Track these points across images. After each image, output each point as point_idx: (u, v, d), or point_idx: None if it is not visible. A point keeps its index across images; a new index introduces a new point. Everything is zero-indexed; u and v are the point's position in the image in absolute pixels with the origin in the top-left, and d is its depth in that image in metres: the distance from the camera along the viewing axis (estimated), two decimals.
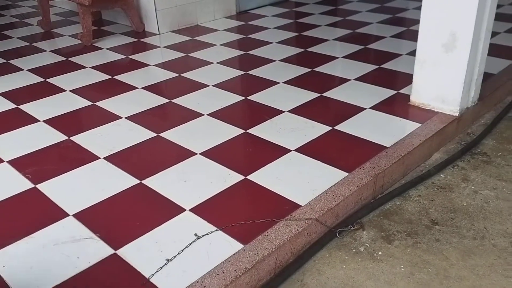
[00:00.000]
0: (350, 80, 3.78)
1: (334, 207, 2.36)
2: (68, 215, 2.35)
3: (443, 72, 3.05)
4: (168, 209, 2.36)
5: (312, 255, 2.27)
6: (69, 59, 4.52)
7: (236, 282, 1.94)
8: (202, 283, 1.91)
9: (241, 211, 2.34)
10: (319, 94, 3.55)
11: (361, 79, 3.79)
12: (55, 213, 2.37)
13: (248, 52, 4.49)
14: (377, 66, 4.01)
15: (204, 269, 1.98)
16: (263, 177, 2.61)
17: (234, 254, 2.05)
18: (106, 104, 3.54)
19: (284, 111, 3.32)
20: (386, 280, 2.14)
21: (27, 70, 4.27)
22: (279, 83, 3.79)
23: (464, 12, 2.84)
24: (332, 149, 2.86)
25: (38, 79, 4.07)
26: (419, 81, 3.21)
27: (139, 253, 2.09)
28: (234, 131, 3.08)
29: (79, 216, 2.34)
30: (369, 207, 2.55)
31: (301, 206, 2.35)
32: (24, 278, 1.99)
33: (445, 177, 2.83)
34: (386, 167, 2.64)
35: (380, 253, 2.30)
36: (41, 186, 2.58)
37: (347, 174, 2.59)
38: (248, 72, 4.03)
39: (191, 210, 2.35)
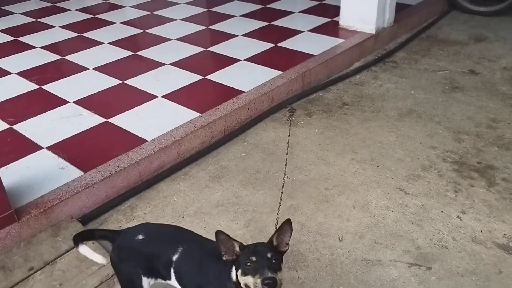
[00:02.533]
0: (295, 12, 4.57)
1: (269, 92, 3.19)
2: (69, 102, 3.12)
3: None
4: (144, 96, 3.16)
5: (252, 125, 3.10)
6: None
7: (194, 133, 2.77)
8: (171, 133, 2.72)
9: (203, 98, 3.15)
10: (268, 23, 4.34)
11: (305, 11, 4.59)
12: (59, 101, 3.14)
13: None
14: (319, 2, 4.80)
15: (173, 126, 2.79)
16: (219, 77, 3.41)
17: (193, 118, 2.87)
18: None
19: (238, 35, 4.11)
20: (303, 136, 2.99)
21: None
22: (237, 16, 4.55)
23: None
24: (273, 58, 3.67)
25: (29, 19, 4.76)
26: (345, 7, 4.02)
27: (123, 121, 2.88)
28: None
29: (78, 102, 3.12)
30: (298, 96, 3.38)
31: (244, 91, 3.17)
32: (41, 135, 2.76)
33: (360, 77, 3.68)
34: (312, 67, 3.47)
35: (302, 122, 3.14)
36: (45, 87, 3.34)
37: (282, 72, 3.41)
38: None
39: (163, 96, 3.15)
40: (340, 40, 3.87)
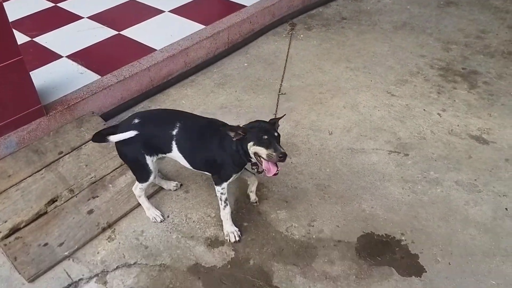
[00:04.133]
0: None
1: (270, 6, 3.36)
2: (83, 17, 3.34)
3: None
4: (152, 11, 3.35)
5: (255, 38, 3.30)
6: None
7: (200, 44, 2.99)
8: (178, 43, 2.95)
9: (208, 12, 3.33)
10: None
11: None
12: (74, 17, 3.35)
13: None
14: None
15: (179, 37, 3.01)
16: None
17: (199, 30, 3.08)
18: None
19: None
20: (302, 48, 3.19)
21: None
22: None
23: None
24: None
25: None
26: None
27: (134, 33, 3.10)
28: None
29: (92, 17, 3.33)
30: (298, 11, 3.54)
31: (247, 6, 3.34)
32: (60, 46, 3.01)
33: None
34: None
35: (301, 35, 3.33)
36: (60, 5, 3.54)
37: None
38: None
39: (170, 11, 3.34)
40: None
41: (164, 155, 1.93)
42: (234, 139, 1.77)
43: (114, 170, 2.21)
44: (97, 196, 2.11)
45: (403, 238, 1.91)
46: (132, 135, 1.82)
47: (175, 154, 1.89)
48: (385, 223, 1.98)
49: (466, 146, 2.35)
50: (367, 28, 3.35)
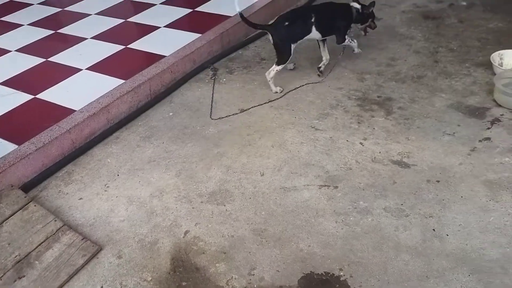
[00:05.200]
0: None
1: (190, 54, 3.39)
2: None
3: None
4: (68, 70, 3.28)
5: (177, 87, 3.31)
6: None
7: (121, 99, 2.94)
8: (98, 101, 2.89)
9: (127, 66, 3.30)
10: None
11: None
12: None
13: None
14: None
15: (99, 94, 2.95)
16: (140, 45, 3.57)
17: (119, 85, 3.04)
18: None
19: (156, 4, 4.25)
20: (226, 92, 3.24)
21: None
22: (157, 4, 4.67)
23: None
24: (193, 22, 3.86)
25: None
26: None
27: (51, 95, 3.01)
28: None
29: (4, 83, 3.19)
30: (219, 56, 3.61)
31: (167, 55, 3.36)
32: None
33: None
34: (229, 27, 3.69)
35: (224, 79, 3.38)
36: None
37: (201, 34, 3.61)
38: None
39: (87, 69, 3.28)
40: (254, 0, 4.10)
41: (302, 39, 3.13)
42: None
43: (39, 245, 2.08)
44: (24, 276, 1.97)
45: (341, 273, 1.94)
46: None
47: (313, 34, 3.13)
48: (323, 261, 2.00)
49: (389, 172, 2.46)
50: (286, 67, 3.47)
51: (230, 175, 2.53)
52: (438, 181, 2.36)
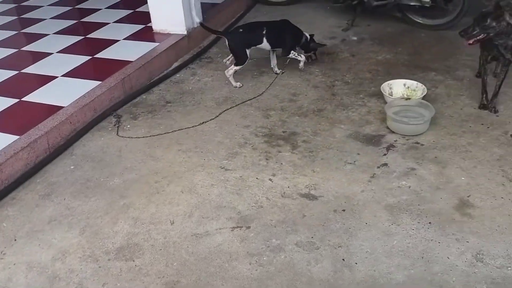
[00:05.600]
0: (110, 23, 4.66)
1: (90, 103, 3.27)
2: None
3: (168, 3, 4.12)
4: None
5: (78, 138, 3.16)
6: None
7: (15, 156, 2.74)
8: None
9: (21, 120, 3.10)
10: (83, 37, 4.37)
11: (119, 21, 4.71)
12: None
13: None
14: (133, 10, 4.96)
15: None
16: (36, 97, 3.38)
17: (12, 142, 2.83)
18: None
19: (53, 53, 4.08)
20: (131, 139, 3.15)
21: None
22: (50, 34, 4.49)
23: None
24: (92, 70, 3.76)
25: None
26: (154, 13, 4.25)
27: None
28: None
29: None
30: (121, 102, 3.52)
31: (64, 106, 3.21)
32: None
33: (179, 76, 3.95)
34: (131, 72, 3.63)
35: (128, 126, 3.30)
36: None
37: (101, 81, 3.51)
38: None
39: None
40: (156, 44, 4.08)
41: (255, 46, 3.62)
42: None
43: None
44: None
45: None
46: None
47: (264, 44, 3.62)
48: None
49: (299, 206, 2.51)
50: (193, 108, 3.46)
51: (138, 227, 2.43)
52: (344, 210, 2.44)
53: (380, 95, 3.37)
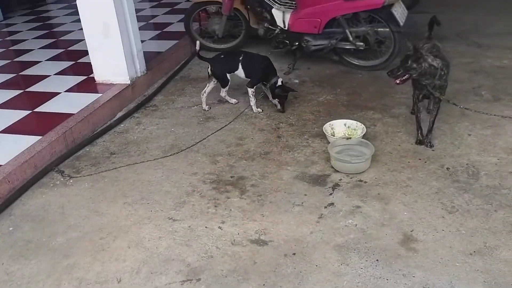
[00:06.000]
0: (51, 75, 4.58)
1: (29, 159, 3.16)
2: None
3: (109, 54, 4.12)
4: None
5: (18, 196, 3.02)
6: None
7: None
8: None
9: None
10: (22, 90, 4.26)
11: (61, 73, 4.64)
12: None
13: None
14: (74, 62, 4.91)
15: None
16: None
17: None
18: None
19: None
20: (74, 194, 3.05)
21: None
22: None
23: (108, 8, 3.92)
24: (32, 124, 3.65)
25: None
26: (95, 63, 4.23)
27: None
28: None
29: None
30: (64, 156, 3.42)
31: (2, 165, 3.07)
32: None
33: (124, 126, 3.90)
34: (73, 125, 3.56)
35: (71, 181, 3.19)
36: None
37: (42, 136, 3.40)
38: None
39: None
40: (98, 95, 4.04)
41: (233, 72, 3.93)
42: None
43: None
44: None
45: None
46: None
47: (239, 72, 3.94)
48: None
49: (249, 253, 2.49)
50: (138, 158, 3.41)
51: None
52: (294, 254, 2.45)
53: (323, 135, 3.47)
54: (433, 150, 3.24)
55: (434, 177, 2.96)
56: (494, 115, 3.33)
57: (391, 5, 4.19)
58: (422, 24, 4.88)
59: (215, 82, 3.99)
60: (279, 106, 3.91)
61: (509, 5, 6.30)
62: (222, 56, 3.99)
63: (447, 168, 3.04)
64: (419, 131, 3.30)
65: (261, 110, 3.95)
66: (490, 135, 3.33)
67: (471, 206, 2.69)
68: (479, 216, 2.61)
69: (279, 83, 3.85)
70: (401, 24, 4.20)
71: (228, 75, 3.91)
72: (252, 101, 3.93)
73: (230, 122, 3.81)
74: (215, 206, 2.87)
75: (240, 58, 3.90)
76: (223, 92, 4.06)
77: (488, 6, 6.35)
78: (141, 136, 3.73)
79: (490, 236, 2.47)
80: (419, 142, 3.29)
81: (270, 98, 3.99)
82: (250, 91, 3.89)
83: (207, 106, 4.03)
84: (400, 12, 4.27)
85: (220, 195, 2.97)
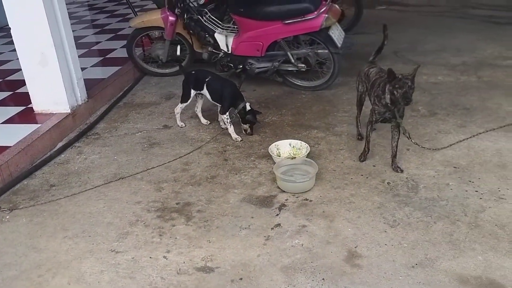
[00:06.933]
0: None
1: None
2: None
3: (48, 83, 3.99)
4: None
5: None
6: None
7: None
8: None
9: None
10: None
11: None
12: None
13: None
14: (12, 92, 4.73)
15: None
16: None
17: None
18: None
19: None
20: (10, 231, 2.89)
21: None
22: None
23: (45, 36, 3.82)
24: None
25: None
26: (33, 93, 4.08)
27: None
28: None
29: None
30: None
31: None
32: None
33: (64, 156, 3.77)
34: (9, 159, 3.39)
35: (7, 217, 3.03)
36: None
37: None
38: None
39: None
40: (37, 125, 3.89)
41: (199, 91, 3.97)
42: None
43: None
44: None
45: None
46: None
47: (204, 92, 3.95)
48: None
49: (195, 281, 2.43)
50: (79, 189, 3.29)
51: None
52: (241, 279, 2.41)
53: (269, 156, 3.49)
54: (374, 166, 3.33)
55: (376, 192, 3.03)
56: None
57: (328, 28, 4.33)
58: (361, 45, 5.12)
59: (201, 96, 4.07)
60: (249, 131, 3.87)
61: (443, 24, 6.68)
62: (193, 72, 4.02)
63: (387, 183, 3.12)
64: (367, 152, 3.35)
65: (240, 139, 3.83)
66: (427, 149, 3.46)
67: (411, 219, 2.77)
68: (420, 229, 2.68)
69: (248, 107, 3.83)
70: (339, 45, 4.34)
71: (193, 91, 3.96)
72: (230, 128, 3.85)
73: (183, 155, 3.77)
74: (160, 235, 2.80)
75: (207, 80, 3.90)
76: (178, 109, 4.07)
77: (423, 25, 6.70)
78: (82, 166, 3.61)
79: (430, 248, 2.54)
80: (363, 160, 3.37)
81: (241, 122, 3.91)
82: (225, 118, 3.85)
83: (206, 121, 4.16)
84: (337, 34, 4.42)
85: (165, 223, 2.90)
